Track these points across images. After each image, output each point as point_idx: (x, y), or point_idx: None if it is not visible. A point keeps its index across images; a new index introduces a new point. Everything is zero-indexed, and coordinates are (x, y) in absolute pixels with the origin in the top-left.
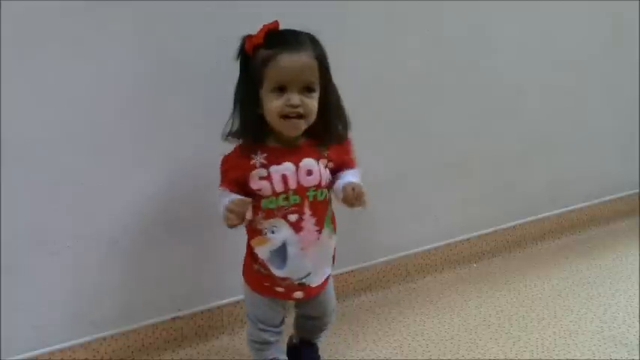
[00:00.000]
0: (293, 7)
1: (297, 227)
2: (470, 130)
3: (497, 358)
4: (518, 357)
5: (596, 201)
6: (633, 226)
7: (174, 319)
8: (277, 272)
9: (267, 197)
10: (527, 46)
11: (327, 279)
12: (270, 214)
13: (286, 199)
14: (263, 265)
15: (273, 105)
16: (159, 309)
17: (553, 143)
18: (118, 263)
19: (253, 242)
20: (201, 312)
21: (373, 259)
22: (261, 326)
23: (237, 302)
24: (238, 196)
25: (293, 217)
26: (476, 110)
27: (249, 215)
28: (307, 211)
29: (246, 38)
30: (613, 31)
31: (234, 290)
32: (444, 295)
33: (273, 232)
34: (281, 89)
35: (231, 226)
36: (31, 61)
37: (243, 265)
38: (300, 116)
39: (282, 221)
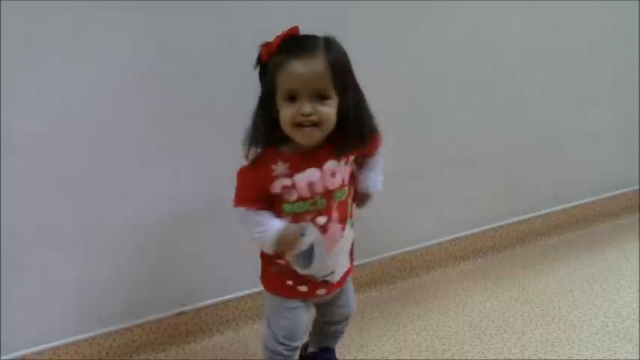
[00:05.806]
0: (294, 6)
1: (324, 229)
2: (475, 127)
3: (502, 353)
4: (523, 352)
5: (600, 197)
6: (638, 222)
7: (178, 314)
8: (301, 271)
9: (293, 202)
10: (531, 45)
11: (346, 273)
12: (297, 218)
13: (313, 203)
14: (286, 265)
15: (285, 113)
16: (163, 304)
17: (557, 140)
18: (123, 258)
19: None
20: (206, 307)
21: (378, 255)
22: (281, 339)
23: (242, 297)
24: (287, 226)
25: (322, 220)
26: (480, 108)
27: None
28: (334, 213)
29: (263, 46)
30: (615, 29)
31: (239, 285)
32: (448, 290)
33: (302, 235)
34: (292, 97)
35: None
36: (34, 56)
37: (261, 272)
38: (314, 124)
39: (311, 225)
